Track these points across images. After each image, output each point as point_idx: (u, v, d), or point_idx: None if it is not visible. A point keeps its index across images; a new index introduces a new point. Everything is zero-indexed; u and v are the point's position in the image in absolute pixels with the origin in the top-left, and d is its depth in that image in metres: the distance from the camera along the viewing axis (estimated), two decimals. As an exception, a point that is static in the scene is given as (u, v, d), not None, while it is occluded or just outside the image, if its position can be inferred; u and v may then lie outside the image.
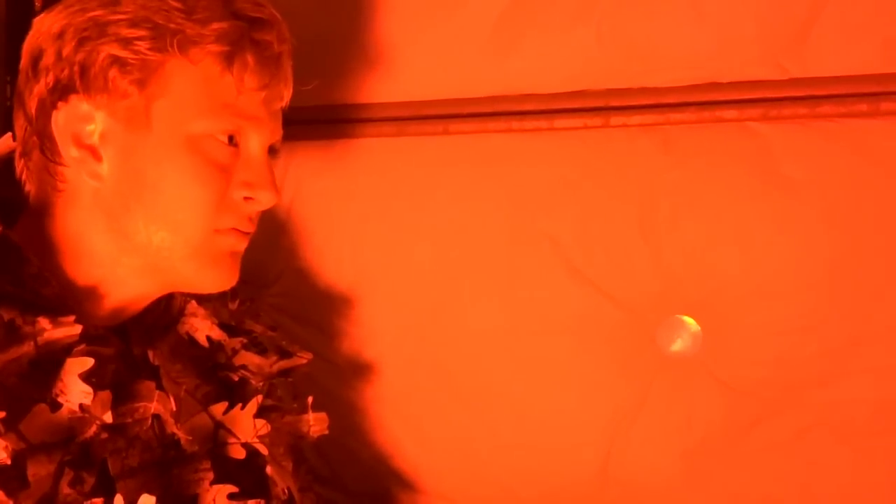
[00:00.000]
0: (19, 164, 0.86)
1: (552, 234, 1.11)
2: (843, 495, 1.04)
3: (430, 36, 1.13)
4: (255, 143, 0.86)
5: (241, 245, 0.88)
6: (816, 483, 1.05)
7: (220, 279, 0.88)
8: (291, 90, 0.90)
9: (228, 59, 0.82)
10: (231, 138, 0.85)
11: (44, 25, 0.83)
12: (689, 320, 1.07)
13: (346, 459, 1.23)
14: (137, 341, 0.88)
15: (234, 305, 1.00)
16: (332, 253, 1.21)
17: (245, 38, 0.83)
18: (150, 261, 0.84)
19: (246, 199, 0.86)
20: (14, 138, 0.87)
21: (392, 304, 1.19)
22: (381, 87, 1.16)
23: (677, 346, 1.08)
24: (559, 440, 1.14)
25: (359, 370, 1.21)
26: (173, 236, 0.83)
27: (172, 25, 0.80)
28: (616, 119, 1.07)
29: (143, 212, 0.82)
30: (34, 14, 0.99)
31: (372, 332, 1.21)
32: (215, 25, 0.81)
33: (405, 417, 1.21)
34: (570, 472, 1.14)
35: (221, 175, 0.84)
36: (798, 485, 1.05)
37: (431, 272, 1.17)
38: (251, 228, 0.89)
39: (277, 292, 1.24)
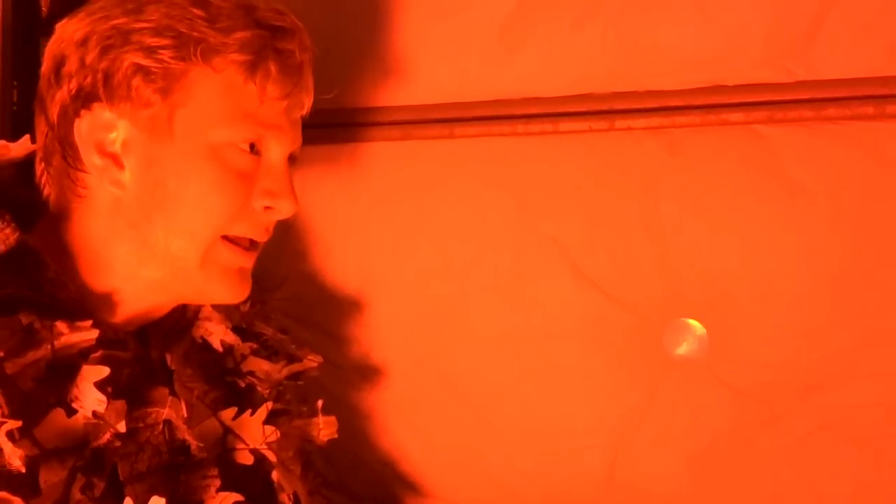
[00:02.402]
0: (39, 168, 0.86)
1: (558, 237, 1.11)
2: (851, 499, 1.04)
3: (436, 40, 1.13)
4: (276, 151, 0.87)
5: (249, 262, 0.88)
6: (824, 486, 1.04)
7: (229, 291, 0.88)
8: (312, 99, 0.90)
9: (251, 68, 0.82)
10: (252, 146, 0.85)
11: (67, 32, 0.83)
12: (694, 323, 1.07)
13: (352, 464, 1.23)
14: (156, 345, 0.88)
15: (245, 308, 1.00)
16: (338, 256, 1.22)
17: (268, 47, 0.83)
18: (166, 272, 0.84)
19: (266, 208, 0.87)
20: (33, 141, 0.87)
21: (398, 308, 1.19)
22: (386, 91, 1.16)
23: (683, 349, 1.07)
24: (565, 444, 1.14)
25: (365, 374, 1.21)
26: (188, 244, 0.83)
27: (196, 34, 0.80)
28: (621, 122, 1.07)
29: (163, 220, 0.82)
30: (40, 20, 1.00)
31: (378, 336, 1.21)
32: (238, 34, 0.81)
33: (411, 421, 1.20)
34: (577, 476, 1.14)
35: (243, 184, 0.84)
36: (805, 488, 1.05)
37: (437, 275, 1.17)
38: (265, 237, 0.89)
39: (283, 296, 1.24)
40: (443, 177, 1.16)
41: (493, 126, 1.12)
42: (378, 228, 1.19)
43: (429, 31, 1.13)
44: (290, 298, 1.23)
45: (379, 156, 1.18)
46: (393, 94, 1.16)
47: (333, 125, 1.18)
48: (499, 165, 1.13)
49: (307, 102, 0.90)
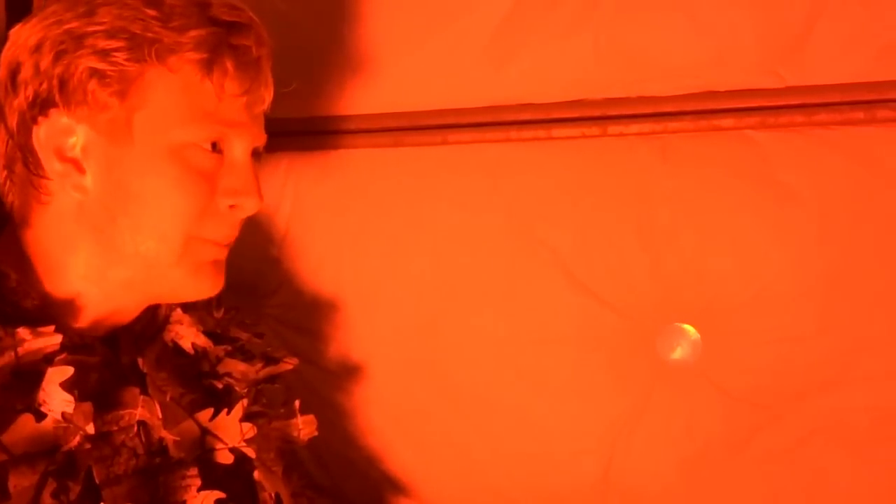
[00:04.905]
0: (2, 176, 0.86)
1: (551, 243, 1.11)
2: (844, 503, 1.04)
3: (428, 46, 1.13)
4: (238, 148, 0.86)
5: (222, 254, 0.88)
6: (817, 491, 1.04)
7: (204, 286, 0.87)
8: (272, 93, 0.89)
9: (207, 66, 0.82)
10: (214, 145, 0.84)
11: (20, 37, 0.82)
12: (688, 328, 1.07)
13: (344, 468, 1.23)
14: (127, 350, 0.88)
15: (219, 314, 1.00)
16: (332, 263, 1.21)
17: (223, 43, 0.82)
18: (136, 273, 0.84)
19: (230, 206, 0.86)
20: None
21: (391, 314, 1.19)
22: (378, 97, 1.16)
23: (677, 353, 1.08)
24: (559, 449, 1.14)
25: (358, 380, 1.21)
26: (159, 245, 0.83)
27: (150, 35, 0.79)
28: (614, 128, 1.07)
29: (129, 223, 0.82)
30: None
31: (371, 342, 1.21)
32: (193, 33, 0.81)
33: (404, 427, 1.21)
34: (570, 481, 1.14)
35: (206, 183, 0.84)
36: (798, 493, 1.05)
37: (431, 281, 1.17)
38: (232, 236, 0.89)
39: (277, 303, 1.24)
40: (436, 183, 1.16)
41: (485, 132, 1.12)
42: (371, 235, 1.19)
43: (421, 37, 1.13)
44: (284, 305, 1.23)
45: (371, 162, 1.18)
46: (385, 101, 1.16)
47: (325, 132, 1.18)
48: (492, 172, 1.13)
49: (267, 97, 0.89)
